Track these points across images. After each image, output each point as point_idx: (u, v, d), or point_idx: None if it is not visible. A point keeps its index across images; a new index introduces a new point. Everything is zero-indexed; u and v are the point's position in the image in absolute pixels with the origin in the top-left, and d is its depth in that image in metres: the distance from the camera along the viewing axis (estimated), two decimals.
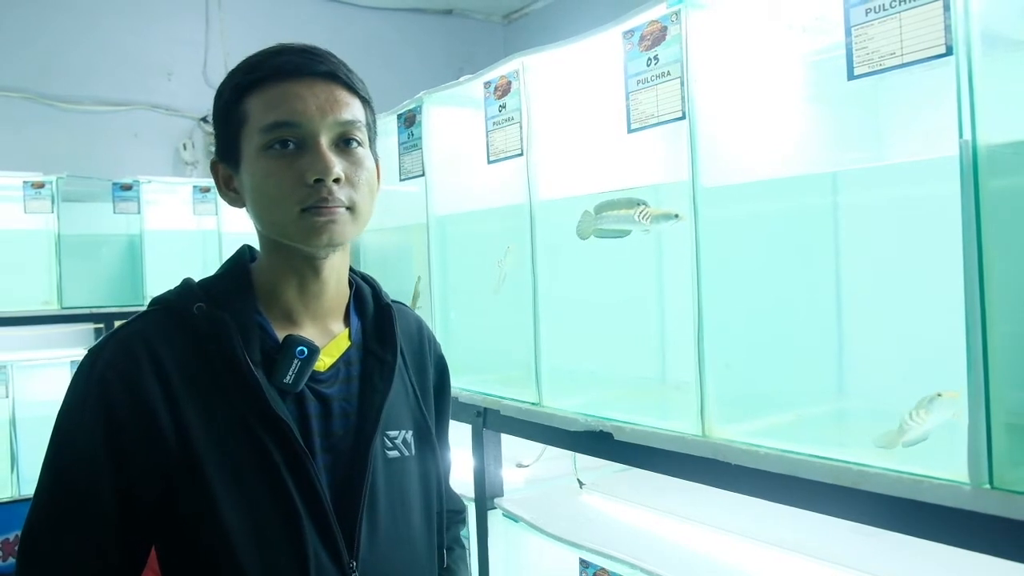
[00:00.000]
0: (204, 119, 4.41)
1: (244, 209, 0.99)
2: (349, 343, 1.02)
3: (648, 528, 1.57)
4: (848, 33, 0.97)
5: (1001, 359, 0.84)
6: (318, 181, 0.90)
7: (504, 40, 5.39)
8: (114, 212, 3.31)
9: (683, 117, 1.19)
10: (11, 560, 2.78)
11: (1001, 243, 0.85)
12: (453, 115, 1.89)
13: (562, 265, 1.58)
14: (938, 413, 0.94)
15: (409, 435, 1.03)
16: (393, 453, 1.00)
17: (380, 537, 0.95)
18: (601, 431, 1.35)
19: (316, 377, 0.97)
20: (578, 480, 1.83)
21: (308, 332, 0.99)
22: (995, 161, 0.84)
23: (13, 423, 3.03)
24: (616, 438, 1.32)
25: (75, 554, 0.87)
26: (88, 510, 0.87)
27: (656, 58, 1.23)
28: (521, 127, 1.54)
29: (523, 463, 1.99)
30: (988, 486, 0.85)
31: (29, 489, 2.97)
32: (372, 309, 1.07)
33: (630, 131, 1.28)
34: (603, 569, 1.39)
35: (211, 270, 1.02)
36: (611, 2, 1.58)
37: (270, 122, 0.91)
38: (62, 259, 3.18)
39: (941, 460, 0.90)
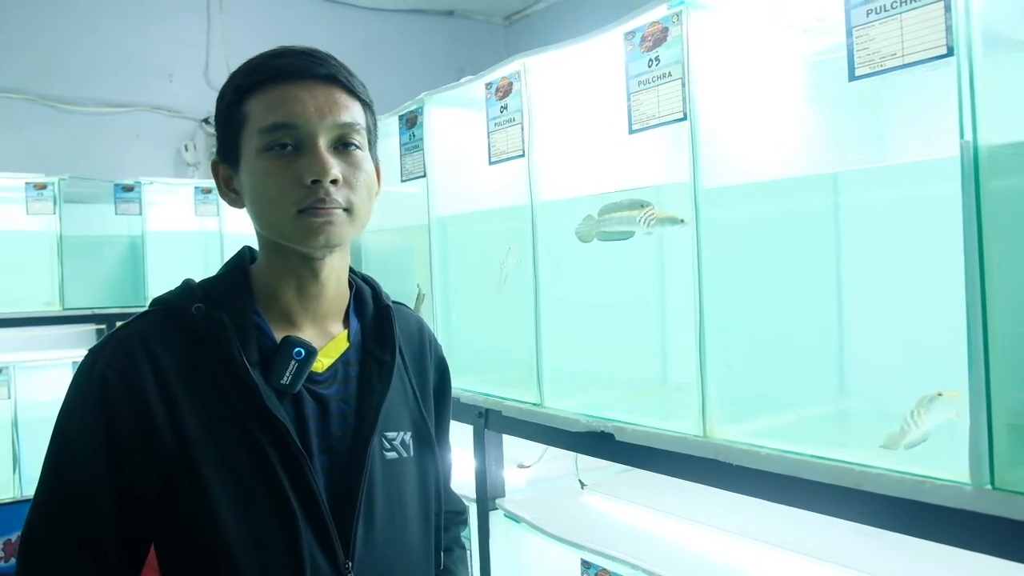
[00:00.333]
0: (206, 120, 4.42)
1: (244, 210, 0.99)
2: (348, 344, 1.03)
3: (649, 529, 1.57)
4: (849, 34, 0.97)
5: (1002, 359, 0.84)
6: (315, 182, 0.91)
7: (505, 41, 5.39)
8: (116, 213, 3.31)
9: (684, 118, 1.19)
10: (13, 561, 2.78)
11: (1002, 243, 0.85)
12: (454, 116, 1.89)
13: (563, 266, 1.58)
14: (938, 413, 0.94)
15: (408, 436, 1.03)
16: (391, 454, 1.00)
17: (376, 538, 0.96)
18: (602, 432, 1.35)
19: (314, 378, 0.97)
20: (579, 481, 1.83)
21: (307, 333, 0.99)
22: (996, 162, 0.84)
23: (15, 424, 3.03)
24: (617, 439, 1.32)
25: (75, 554, 0.88)
26: (88, 510, 0.88)
27: (657, 59, 1.23)
28: (522, 128, 1.54)
29: (524, 464, 1.99)
30: (989, 486, 0.85)
31: (31, 490, 2.96)
32: (372, 310, 1.07)
33: (631, 132, 1.28)
34: (604, 570, 1.39)
35: (213, 271, 1.02)
36: (613, 3, 1.58)
37: (269, 123, 0.92)
38: (64, 260, 3.18)
39: (942, 461, 0.90)
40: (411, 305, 1.58)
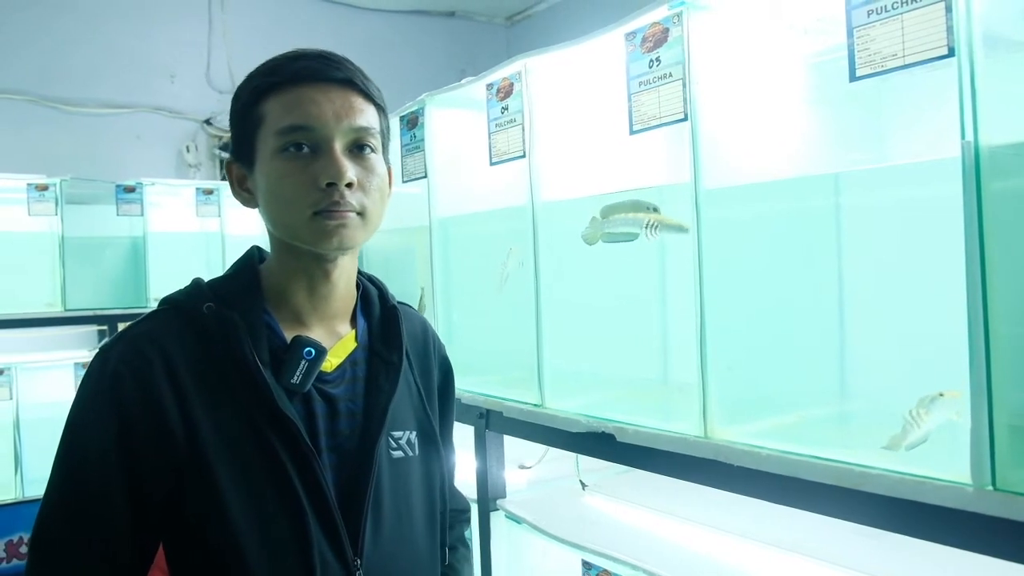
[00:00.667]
0: (207, 121, 4.42)
1: (256, 210, 1.00)
2: (355, 344, 1.04)
3: (650, 529, 1.57)
4: (850, 34, 0.97)
5: (1003, 360, 0.84)
6: (330, 185, 0.92)
7: (507, 42, 5.40)
8: (117, 214, 3.31)
9: (685, 119, 1.19)
10: (15, 562, 2.78)
11: (1003, 244, 0.85)
12: (455, 117, 1.90)
13: (564, 267, 1.58)
14: (939, 413, 0.94)
15: (413, 436, 1.04)
16: (397, 453, 1.02)
17: (384, 536, 0.96)
18: (603, 432, 1.35)
19: (323, 377, 0.98)
20: (580, 481, 1.83)
21: (316, 333, 1.00)
22: (997, 162, 0.84)
23: (17, 425, 3.03)
24: (618, 439, 1.32)
25: (86, 551, 0.88)
26: (99, 507, 0.88)
27: (658, 60, 1.23)
28: (523, 129, 1.54)
29: (525, 464, 1.99)
30: (991, 487, 0.84)
31: (33, 491, 2.99)
32: (378, 311, 1.08)
33: (632, 133, 1.28)
34: (605, 571, 1.39)
35: (214, 272, 1.03)
36: (614, 4, 1.58)
37: (286, 125, 0.93)
38: (66, 261, 3.19)
39: (943, 461, 0.90)
40: (415, 306, 1.58)
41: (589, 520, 1.64)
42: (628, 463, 1.37)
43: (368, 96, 0.98)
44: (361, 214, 0.95)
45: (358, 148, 0.96)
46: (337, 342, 1.02)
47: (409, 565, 1.01)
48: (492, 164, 1.63)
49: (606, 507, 1.73)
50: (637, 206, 1.34)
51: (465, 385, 1.75)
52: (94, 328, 3.55)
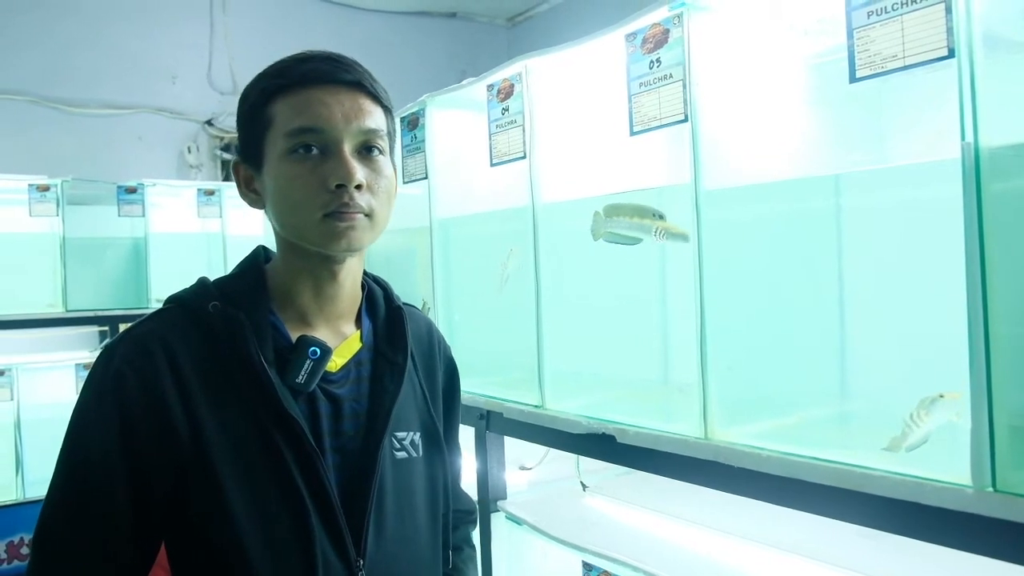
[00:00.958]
0: (209, 122, 4.43)
1: (261, 211, 1.01)
2: (360, 344, 1.04)
3: (651, 531, 1.57)
4: (850, 35, 0.97)
5: (1003, 361, 0.84)
6: (340, 187, 0.92)
7: (508, 43, 5.40)
8: (119, 215, 3.31)
9: (685, 120, 1.19)
10: (16, 563, 2.78)
11: (1003, 245, 0.84)
12: (456, 118, 1.89)
13: (564, 268, 1.58)
14: (939, 414, 0.94)
15: (417, 436, 1.05)
16: (401, 454, 1.02)
17: (387, 536, 0.97)
18: (604, 434, 1.35)
19: (327, 378, 0.98)
20: (581, 483, 1.83)
21: (321, 333, 1.00)
22: (997, 163, 0.84)
23: (18, 426, 3.03)
24: (619, 440, 1.32)
25: (88, 550, 0.88)
26: (102, 506, 0.88)
27: (658, 61, 1.23)
28: (524, 130, 1.54)
29: (526, 466, 1.99)
30: (991, 489, 0.84)
31: (34, 492, 2.99)
32: (383, 311, 1.09)
33: (632, 134, 1.28)
34: (606, 572, 1.39)
35: (215, 273, 1.03)
36: (614, 5, 1.58)
37: (295, 127, 0.93)
38: (67, 262, 3.19)
39: (944, 463, 0.90)
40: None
41: (590, 521, 1.64)
42: (628, 464, 1.37)
43: (376, 98, 0.98)
44: (369, 216, 0.95)
45: (366, 150, 0.96)
46: (342, 342, 1.02)
47: (412, 565, 1.01)
48: (493, 165, 1.63)
49: (607, 508, 1.73)
50: (644, 212, 1.34)
51: (466, 386, 1.73)
52: (95, 329, 3.55)
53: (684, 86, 1.19)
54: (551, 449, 1.74)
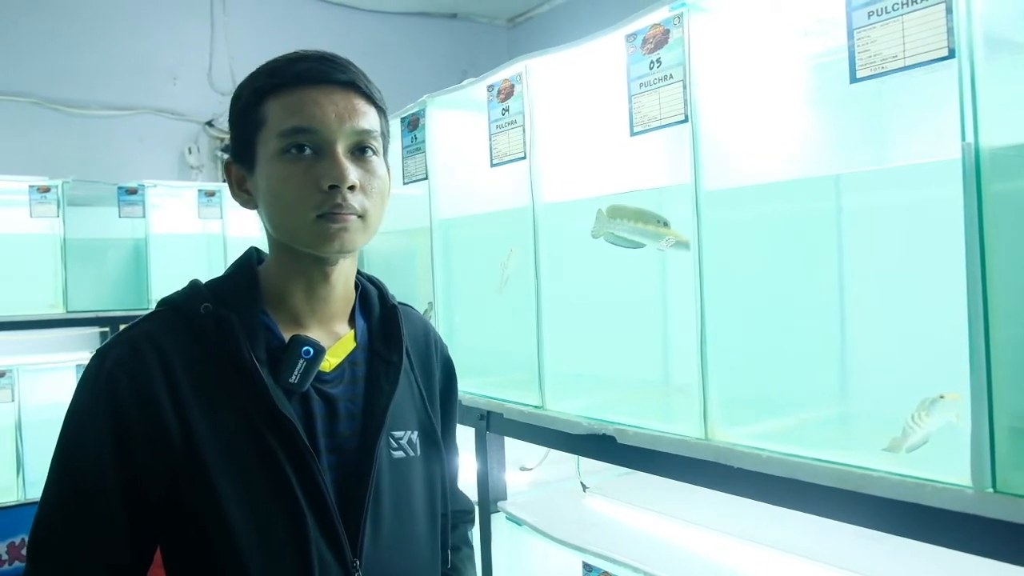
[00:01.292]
0: (209, 123, 4.43)
1: (255, 211, 1.00)
2: (355, 344, 1.03)
3: (651, 531, 1.57)
4: (850, 36, 0.97)
5: (1004, 362, 0.84)
6: (333, 187, 0.91)
7: (508, 43, 5.40)
8: (119, 216, 3.32)
9: (685, 120, 1.19)
10: (17, 564, 2.78)
11: (1003, 246, 0.84)
12: (456, 118, 1.89)
13: (565, 268, 1.58)
14: (940, 415, 0.94)
15: (414, 436, 1.04)
16: (398, 454, 1.01)
17: (384, 536, 0.96)
18: (604, 434, 1.35)
19: (321, 378, 0.98)
20: (581, 483, 1.83)
21: (314, 334, 0.99)
22: (998, 164, 0.84)
23: (19, 427, 3.04)
24: (619, 441, 1.32)
25: (83, 551, 0.88)
26: (96, 508, 0.88)
27: (659, 61, 1.23)
28: (524, 130, 1.54)
29: (526, 466, 1.99)
30: (991, 490, 0.84)
31: (35, 493, 2.99)
32: (378, 311, 1.08)
33: (633, 134, 1.28)
34: (606, 572, 1.39)
35: (216, 273, 1.03)
36: (615, 5, 1.58)
37: (288, 127, 0.92)
38: (67, 263, 3.19)
39: (944, 464, 0.90)
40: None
41: (590, 522, 1.64)
42: (628, 465, 1.37)
43: (370, 98, 0.97)
44: (362, 217, 0.94)
45: (360, 150, 0.95)
46: (336, 342, 1.01)
47: (409, 565, 1.00)
48: (493, 165, 1.63)
49: (607, 509, 1.73)
50: (649, 217, 1.34)
51: (466, 387, 1.74)
52: (96, 330, 3.55)
53: (684, 86, 1.19)
54: (551, 450, 1.74)
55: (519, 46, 5.21)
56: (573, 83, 1.53)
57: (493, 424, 1.68)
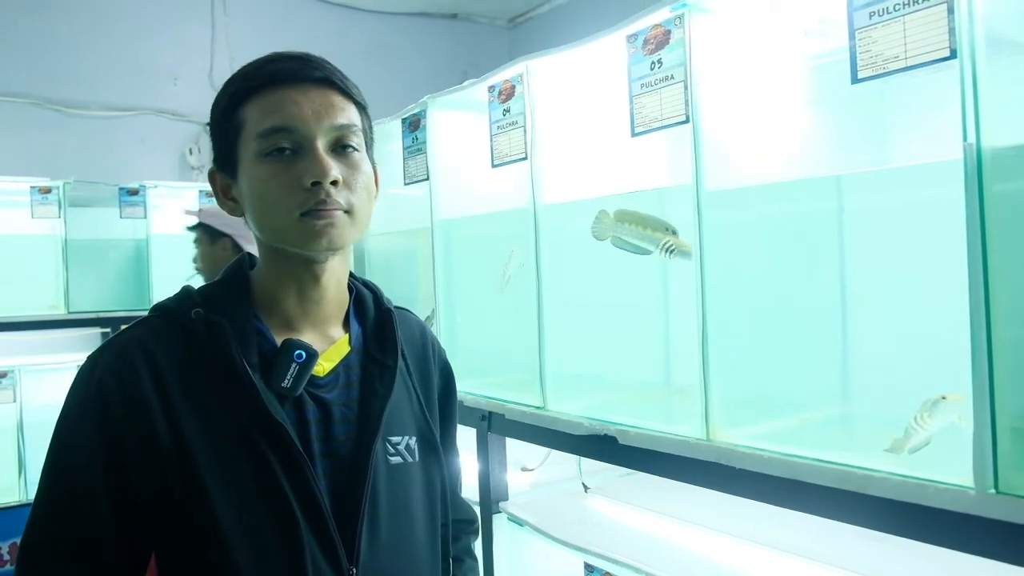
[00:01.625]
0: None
1: (243, 218, 0.99)
2: (349, 348, 1.02)
3: (653, 532, 1.57)
4: (852, 36, 0.96)
5: (1006, 363, 0.84)
6: (315, 184, 0.90)
7: (509, 44, 5.40)
8: (120, 217, 3.32)
9: (686, 121, 1.19)
10: None
11: (1005, 246, 0.84)
12: (457, 119, 1.89)
13: (566, 269, 1.58)
14: (942, 416, 0.94)
15: (412, 441, 1.02)
16: (395, 459, 0.99)
17: (381, 543, 0.94)
18: (605, 435, 1.35)
19: (315, 382, 0.96)
20: (583, 484, 1.83)
21: (307, 338, 0.98)
22: (999, 164, 0.84)
23: (20, 427, 3.04)
24: (620, 442, 1.32)
25: (73, 558, 0.87)
26: (86, 515, 0.87)
27: (660, 62, 1.23)
28: (525, 131, 1.54)
29: (528, 467, 1.99)
30: (993, 490, 0.84)
31: None
32: (373, 314, 1.06)
33: (634, 135, 1.28)
34: (608, 573, 1.39)
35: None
36: (616, 6, 1.58)
37: (266, 128, 0.91)
38: (69, 264, 3.20)
39: (946, 464, 0.90)
40: (418, 311, 1.57)
41: (591, 523, 1.64)
42: (630, 466, 1.37)
43: (348, 94, 0.96)
44: (349, 212, 0.93)
45: (341, 147, 0.94)
46: (329, 346, 1.00)
47: (409, 573, 0.99)
48: (494, 166, 1.63)
49: (608, 510, 1.73)
50: (657, 224, 1.33)
51: (467, 387, 1.74)
52: (97, 331, 3.55)
53: (685, 87, 1.19)
54: (553, 450, 1.74)
55: (520, 46, 5.21)
56: (574, 84, 1.53)
57: (494, 425, 1.68)
